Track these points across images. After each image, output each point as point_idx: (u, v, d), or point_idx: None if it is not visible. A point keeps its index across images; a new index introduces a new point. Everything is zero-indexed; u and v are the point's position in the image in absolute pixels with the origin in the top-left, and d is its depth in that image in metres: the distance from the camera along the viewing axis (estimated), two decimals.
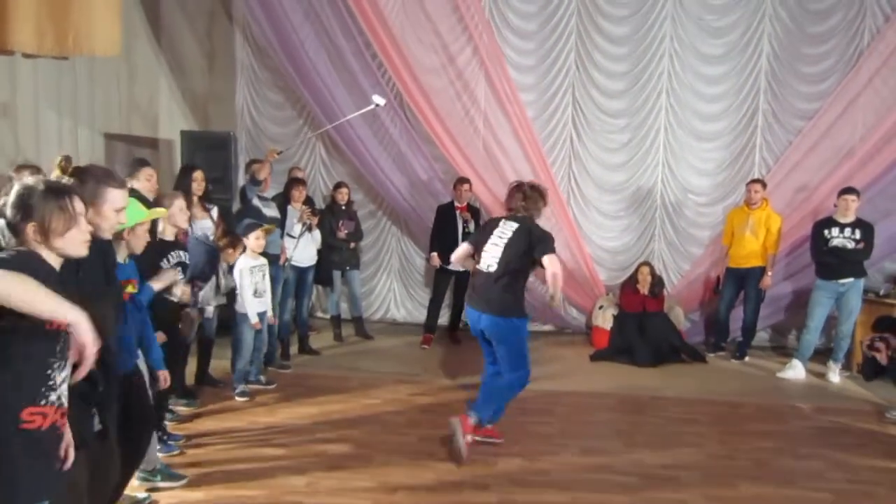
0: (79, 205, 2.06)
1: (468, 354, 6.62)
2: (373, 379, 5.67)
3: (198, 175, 5.18)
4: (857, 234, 5.89)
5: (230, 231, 5.03)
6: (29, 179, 2.01)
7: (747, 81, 7.19)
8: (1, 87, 5.28)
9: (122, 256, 3.09)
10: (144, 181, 4.47)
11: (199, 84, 7.75)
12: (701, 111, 7.30)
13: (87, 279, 2.36)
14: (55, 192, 2.02)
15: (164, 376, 3.41)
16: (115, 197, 2.50)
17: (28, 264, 1.88)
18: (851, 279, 5.91)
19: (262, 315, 5.17)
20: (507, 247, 4.06)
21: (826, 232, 5.99)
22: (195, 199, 5.15)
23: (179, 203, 4.03)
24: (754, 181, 6.61)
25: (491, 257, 4.09)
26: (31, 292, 1.79)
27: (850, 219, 5.95)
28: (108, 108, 6.63)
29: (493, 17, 7.28)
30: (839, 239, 5.92)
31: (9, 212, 1.97)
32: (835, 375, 6.09)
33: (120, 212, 2.53)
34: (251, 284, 5.04)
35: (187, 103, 7.67)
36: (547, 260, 3.94)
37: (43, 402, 1.95)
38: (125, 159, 6.69)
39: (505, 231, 4.14)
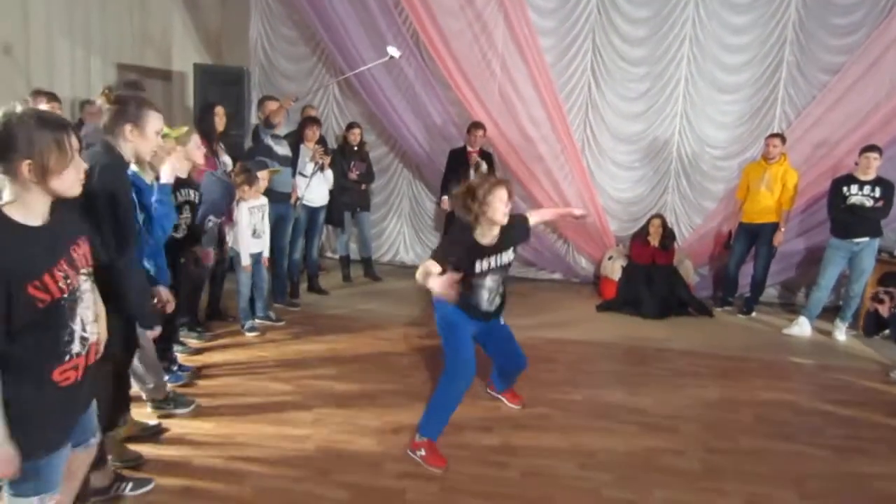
0: (74, 140, 1.90)
1: None
2: (380, 320, 5.73)
3: (219, 110, 5.13)
4: (877, 192, 5.79)
5: (247, 168, 5.00)
6: (17, 108, 1.82)
7: (774, 32, 6.96)
8: (13, 17, 5.20)
9: (149, 178, 3.14)
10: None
11: (213, 17, 7.62)
12: (724, 62, 7.11)
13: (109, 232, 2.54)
14: (51, 125, 1.84)
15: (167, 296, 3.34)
16: (155, 119, 2.74)
17: None
18: (867, 238, 5.84)
19: (258, 255, 5.19)
20: None
21: (845, 189, 5.89)
22: (217, 135, 5.12)
23: (196, 139, 4.00)
24: (773, 135, 6.47)
25: None
26: None
27: (870, 176, 5.84)
28: (120, 38, 6.53)
29: None
30: (858, 196, 5.82)
31: (4, 143, 1.78)
32: (841, 334, 6.10)
33: (158, 133, 2.77)
34: (250, 225, 5.04)
35: (200, 36, 7.56)
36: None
37: (68, 358, 1.96)
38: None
39: None
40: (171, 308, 3.37)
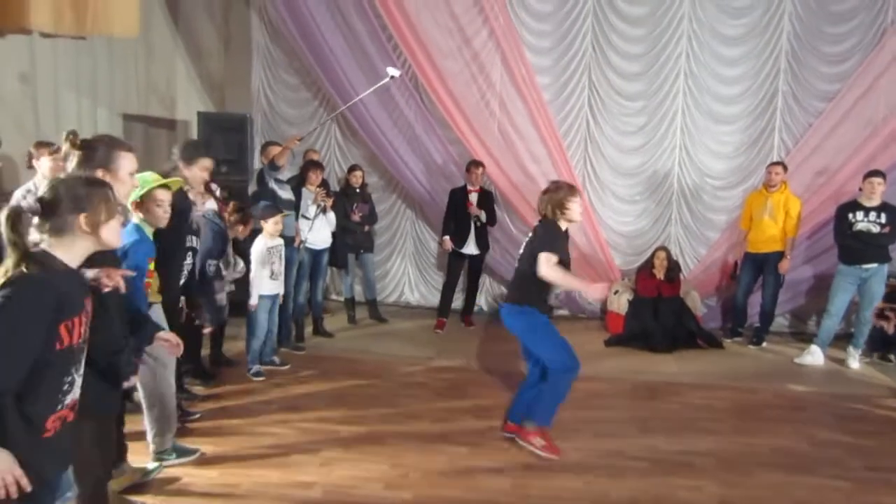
0: (115, 196, 2.10)
1: (481, 338, 6.62)
2: (387, 361, 5.68)
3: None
4: (883, 218, 5.75)
5: (241, 207, 5.01)
6: (63, 176, 2.08)
7: (767, 62, 7.04)
8: (20, 67, 5.29)
9: (148, 231, 3.17)
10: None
11: (216, 66, 7.77)
12: (719, 93, 7.18)
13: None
14: (98, 182, 2.09)
15: (174, 339, 3.05)
16: (127, 161, 2.63)
17: (32, 297, 1.81)
18: (875, 265, 5.79)
19: (275, 297, 5.19)
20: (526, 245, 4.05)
21: (850, 215, 5.86)
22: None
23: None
24: (775, 163, 6.49)
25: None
26: None
27: (875, 202, 5.81)
28: (126, 88, 6.64)
29: None
30: (864, 223, 5.79)
31: (56, 205, 1.92)
32: (854, 361, 6.00)
33: (132, 175, 2.66)
34: (267, 266, 5.04)
35: (204, 85, 7.68)
36: (541, 258, 3.82)
37: (60, 407, 1.96)
38: (143, 140, 6.73)
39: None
40: (178, 352, 3.30)
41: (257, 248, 5.04)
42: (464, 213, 6.68)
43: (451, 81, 7.08)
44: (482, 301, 7.64)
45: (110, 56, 6.32)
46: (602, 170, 7.44)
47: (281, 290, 5.25)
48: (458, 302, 7.17)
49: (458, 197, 6.75)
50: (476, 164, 6.73)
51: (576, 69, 7.30)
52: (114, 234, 2.05)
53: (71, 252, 1.96)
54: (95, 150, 2.57)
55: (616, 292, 7.05)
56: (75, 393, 2.02)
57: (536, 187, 7.21)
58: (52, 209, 1.92)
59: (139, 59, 6.79)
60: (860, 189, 5.92)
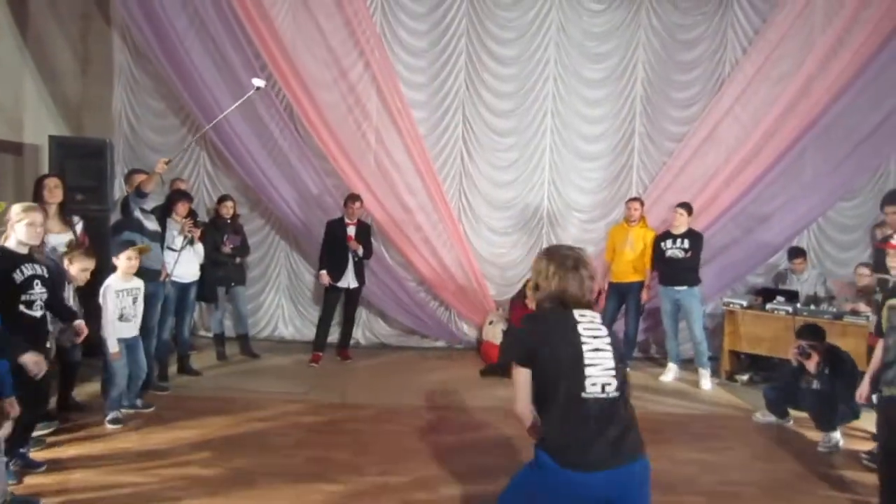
0: None
1: (358, 371, 6.53)
2: (258, 399, 5.44)
3: (50, 182, 4.73)
4: (686, 244, 6.50)
5: (73, 242, 4.66)
6: None
7: (625, 105, 7.60)
8: None
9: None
10: None
11: (72, 88, 7.25)
12: (583, 132, 7.64)
13: None
14: None
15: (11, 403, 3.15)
16: None
17: None
18: (685, 287, 6.49)
19: (131, 341, 4.82)
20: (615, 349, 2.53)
21: (663, 244, 6.60)
22: (54, 209, 4.72)
23: (33, 217, 3.65)
24: (633, 199, 6.99)
25: (602, 372, 2.43)
26: None
27: (681, 230, 6.56)
28: None
29: (384, 33, 7.30)
30: (672, 249, 6.54)
31: None
32: (706, 382, 6.48)
33: None
34: (117, 308, 4.69)
35: (58, 107, 7.14)
36: None
37: None
38: None
39: (595, 326, 2.57)
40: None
41: (106, 289, 4.66)
42: (341, 245, 6.61)
43: (326, 112, 7.04)
44: (359, 334, 7.55)
45: None
46: (477, 202, 7.65)
47: (134, 334, 4.86)
48: (333, 335, 7.04)
49: (335, 229, 6.67)
50: (354, 198, 6.69)
51: (450, 104, 7.51)
52: None
53: None
54: None
55: (491, 322, 7.20)
56: None
57: (413, 220, 7.32)
58: None
59: None
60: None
